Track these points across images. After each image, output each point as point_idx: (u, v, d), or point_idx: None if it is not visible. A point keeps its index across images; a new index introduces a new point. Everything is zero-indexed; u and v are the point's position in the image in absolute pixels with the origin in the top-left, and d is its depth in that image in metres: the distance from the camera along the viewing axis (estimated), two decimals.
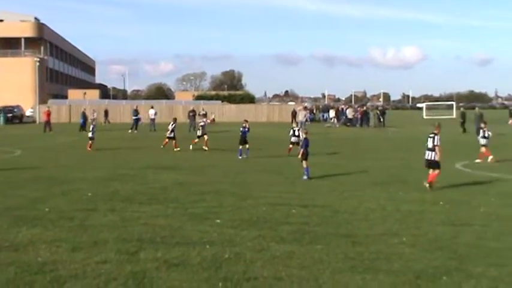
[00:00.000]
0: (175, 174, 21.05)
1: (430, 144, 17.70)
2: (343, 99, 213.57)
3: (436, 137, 17.60)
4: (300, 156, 20.36)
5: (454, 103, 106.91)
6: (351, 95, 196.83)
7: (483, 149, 26.10)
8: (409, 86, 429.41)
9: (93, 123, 33.51)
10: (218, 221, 12.54)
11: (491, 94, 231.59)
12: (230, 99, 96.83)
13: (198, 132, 32.59)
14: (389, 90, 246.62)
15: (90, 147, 31.39)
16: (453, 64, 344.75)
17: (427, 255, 9.78)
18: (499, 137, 39.01)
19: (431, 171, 17.58)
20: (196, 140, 31.63)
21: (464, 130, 47.90)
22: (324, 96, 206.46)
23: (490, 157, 25.39)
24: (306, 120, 58.46)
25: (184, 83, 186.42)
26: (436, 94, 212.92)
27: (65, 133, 49.34)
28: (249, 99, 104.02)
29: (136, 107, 57.52)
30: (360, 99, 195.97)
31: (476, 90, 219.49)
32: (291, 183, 18.82)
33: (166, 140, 31.85)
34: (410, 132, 51.06)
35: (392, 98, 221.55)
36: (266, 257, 9.61)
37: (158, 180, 19.22)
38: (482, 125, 26.90)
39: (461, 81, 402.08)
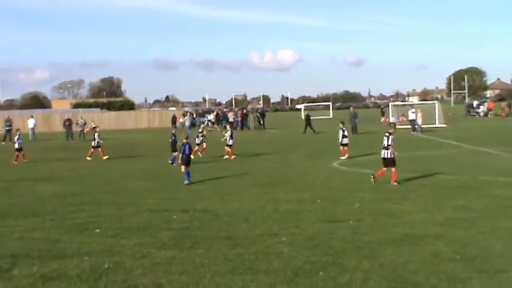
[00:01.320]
0: (52, 185, 20.40)
1: (385, 143, 18.53)
2: (224, 103, 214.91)
3: (390, 136, 18.44)
4: (179, 161, 20.34)
5: (330, 103, 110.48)
6: (232, 99, 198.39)
7: (345, 148, 27.16)
8: (288, 88, 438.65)
9: (18, 133, 31.87)
10: (97, 230, 12.30)
11: (365, 94, 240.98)
12: (110, 107, 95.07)
13: (92, 143, 31.42)
14: (269, 93, 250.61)
15: (16, 159, 29.73)
16: (328, 65, 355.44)
17: (305, 253, 10.06)
18: (373, 135, 40.74)
19: (386, 169, 18.42)
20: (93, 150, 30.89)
21: (305, 131, 49.77)
22: (205, 100, 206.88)
23: (346, 155, 26.59)
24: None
25: (61, 91, 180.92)
26: (314, 95, 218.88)
27: None
28: (129, 105, 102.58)
29: (8, 117, 55.08)
30: (241, 102, 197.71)
31: (351, 91, 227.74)
32: (171, 189, 18.74)
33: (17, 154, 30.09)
34: (290, 134, 52.22)
35: (272, 100, 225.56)
36: (146, 264, 9.54)
37: (35, 192, 18.58)
38: (341, 125, 27.91)
39: (336, 82, 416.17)
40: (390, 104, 69.77)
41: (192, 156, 20.96)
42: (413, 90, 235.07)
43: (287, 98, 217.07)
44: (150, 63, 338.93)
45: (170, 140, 26.75)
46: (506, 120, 64.21)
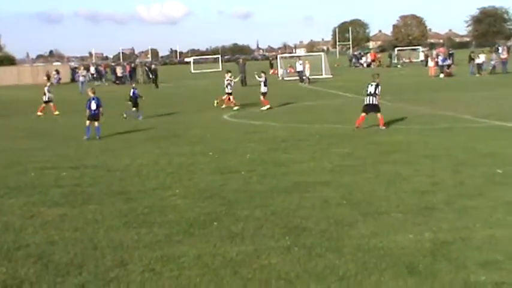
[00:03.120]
0: None
1: (372, 91, 19.05)
2: (111, 57, 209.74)
3: (379, 86, 19.09)
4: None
5: (219, 56, 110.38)
6: (119, 53, 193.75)
7: (262, 97, 27.83)
8: (177, 41, 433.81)
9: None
10: None
11: (253, 46, 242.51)
12: None
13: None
14: (157, 47, 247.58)
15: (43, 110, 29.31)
16: (217, 18, 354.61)
17: (199, 204, 10.20)
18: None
19: (365, 115, 19.09)
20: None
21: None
22: (91, 54, 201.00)
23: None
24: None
25: None
26: (203, 48, 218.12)
27: None
28: (10, 61, 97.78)
29: None
30: (129, 57, 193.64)
31: (240, 43, 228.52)
32: (59, 146, 18.28)
33: None
34: (181, 87, 51.91)
35: (160, 54, 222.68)
36: (37, 223, 9.35)
37: None
38: (263, 75, 28.30)
39: (225, 35, 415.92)
40: (278, 56, 70.62)
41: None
42: (301, 42, 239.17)
43: (176, 51, 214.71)
44: (31, 16, 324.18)
45: (130, 95, 26.24)
46: (388, 70, 66.71)
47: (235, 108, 27.62)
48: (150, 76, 61.96)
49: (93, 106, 19.63)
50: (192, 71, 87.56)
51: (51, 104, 29.61)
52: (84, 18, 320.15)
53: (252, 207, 9.79)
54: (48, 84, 31.94)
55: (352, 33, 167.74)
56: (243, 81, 46.93)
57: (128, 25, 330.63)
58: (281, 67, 61.00)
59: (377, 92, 19.12)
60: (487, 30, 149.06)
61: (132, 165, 14.33)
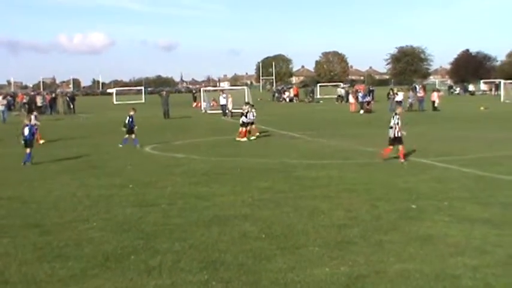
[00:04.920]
0: None
1: (392, 122, 18.99)
2: (31, 86, 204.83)
3: (395, 116, 18.96)
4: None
5: (143, 88, 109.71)
6: (40, 82, 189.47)
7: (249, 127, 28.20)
8: (99, 71, 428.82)
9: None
10: None
11: (177, 78, 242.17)
12: None
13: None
14: (80, 76, 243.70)
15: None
16: (140, 49, 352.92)
17: (116, 237, 10.05)
18: (185, 119, 41.22)
19: (392, 148, 18.98)
20: None
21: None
22: (9, 83, 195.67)
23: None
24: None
25: None
26: (126, 79, 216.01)
27: None
28: None
29: None
30: (49, 86, 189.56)
31: (164, 75, 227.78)
32: None
33: None
34: (102, 118, 51.20)
35: (83, 84, 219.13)
36: None
37: None
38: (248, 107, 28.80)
39: (149, 66, 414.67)
40: (202, 89, 70.75)
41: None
42: (225, 75, 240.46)
43: (98, 81, 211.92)
44: None
45: (126, 122, 25.69)
46: (310, 105, 67.98)
47: (252, 138, 27.80)
48: (71, 106, 60.89)
49: (26, 132, 20.23)
50: (115, 102, 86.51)
51: None
52: (2, 46, 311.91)
53: (170, 241, 9.73)
54: None
55: (275, 68, 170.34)
56: (166, 114, 46.75)
57: (50, 54, 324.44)
58: (204, 100, 61.10)
59: (396, 122, 19.16)
60: (405, 68, 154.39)
61: (49, 197, 14.00)
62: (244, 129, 28.04)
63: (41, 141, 27.99)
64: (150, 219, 11.41)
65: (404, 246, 9.25)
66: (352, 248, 9.17)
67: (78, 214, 12.02)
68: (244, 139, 27.42)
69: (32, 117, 28.93)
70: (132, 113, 26.27)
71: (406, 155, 19.12)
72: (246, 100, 32.94)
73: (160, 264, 8.51)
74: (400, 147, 19.11)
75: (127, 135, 25.68)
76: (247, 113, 28.43)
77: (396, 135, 19.06)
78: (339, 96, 74.39)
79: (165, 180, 16.07)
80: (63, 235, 10.25)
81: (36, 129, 28.40)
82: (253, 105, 30.96)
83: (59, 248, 9.42)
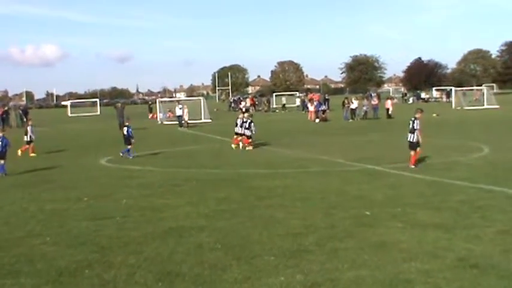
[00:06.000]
0: None
1: (411, 127, 19.06)
2: None
3: (416, 121, 18.93)
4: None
5: (98, 100, 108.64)
6: None
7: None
8: (53, 84, 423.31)
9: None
10: None
11: (133, 90, 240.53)
12: None
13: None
14: (33, 89, 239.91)
15: (25, 150, 28.92)
16: (94, 61, 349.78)
17: (70, 252, 9.92)
18: (141, 131, 40.90)
19: (412, 152, 19.06)
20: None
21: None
22: None
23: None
24: None
25: None
26: (81, 91, 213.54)
27: None
28: None
29: None
30: (1, 99, 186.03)
31: (119, 87, 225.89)
32: None
33: None
34: (57, 131, 50.50)
35: (37, 97, 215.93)
36: None
37: None
38: (245, 116, 28.91)
39: (104, 78, 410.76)
40: (158, 100, 70.44)
41: None
42: (181, 86, 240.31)
43: (52, 94, 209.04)
44: None
45: (124, 133, 25.57)
46: (266, 115, 68.24)
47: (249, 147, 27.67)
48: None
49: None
50: (70, 115, 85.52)
51: None
52: None
53: (125, 254, 9.65)
54: None
55: (231, 78, 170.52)
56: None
57: (1, 66, 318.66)
58: (160, 111, 60.86)
59: (415, 127, 19.21)
60: (360, 77, 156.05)
61: None
62: (244, 138, 28.27)
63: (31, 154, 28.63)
64: (105, 233, 11.29)
65: (358, 253, 9.35)
66: (307, 257, 9.23)
67: (31, 229, 11.82)
68: (250, 147, 27.62)
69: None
70: (127, 123, 26.55)
71: (416, 162, 19.19)
72: (245, 109, 32.85)
73: (115, 277, 8.43)
74: (413, 152, 19.26)
75: (129, 146, 25.58)
76: (249, 123, 28.31)
77: (414, 140, 19.23)
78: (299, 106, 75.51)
79: (121, 193, 15.92)
80: (15, 251, 10.06)
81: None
82: (252, 115, 30.99)
83: (10, 264, 9.25)
